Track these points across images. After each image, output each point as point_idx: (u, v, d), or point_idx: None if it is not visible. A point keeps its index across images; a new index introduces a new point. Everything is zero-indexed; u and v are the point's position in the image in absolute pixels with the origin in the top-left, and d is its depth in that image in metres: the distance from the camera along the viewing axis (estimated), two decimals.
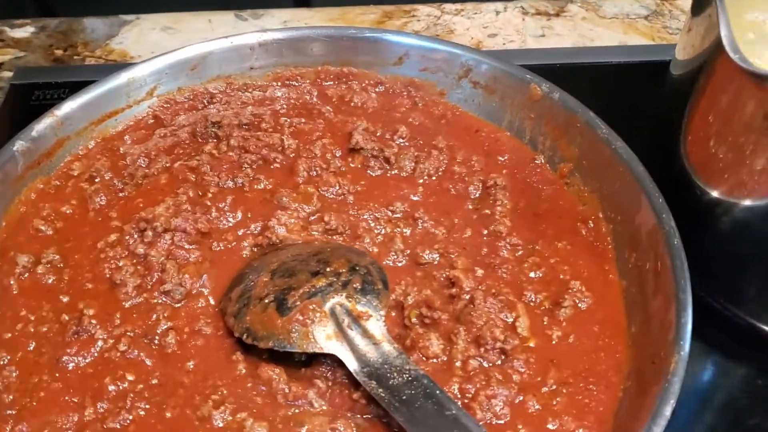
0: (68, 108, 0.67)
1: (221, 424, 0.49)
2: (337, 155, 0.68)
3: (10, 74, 0.85)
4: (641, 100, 0.69)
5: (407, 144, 0.69)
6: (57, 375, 0.52)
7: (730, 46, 0.46)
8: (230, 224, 0.62)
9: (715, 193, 0.56)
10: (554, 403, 0.51)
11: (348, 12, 0.94)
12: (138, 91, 0.71)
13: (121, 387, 0.51)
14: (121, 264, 0.58)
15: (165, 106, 0.72)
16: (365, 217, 0.64)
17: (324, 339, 0.51)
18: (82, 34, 0.92)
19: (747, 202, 0.55)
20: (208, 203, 0.63)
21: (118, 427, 0.49)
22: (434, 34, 0.90)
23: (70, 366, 0.53)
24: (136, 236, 0.60)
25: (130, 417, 0.50)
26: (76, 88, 0.76)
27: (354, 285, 0.54)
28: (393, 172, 0.67)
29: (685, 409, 0.58)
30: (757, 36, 0.57)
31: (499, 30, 0.90)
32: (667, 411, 0.46)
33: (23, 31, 0.93)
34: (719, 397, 0.60)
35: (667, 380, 0.47)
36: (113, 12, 0.95)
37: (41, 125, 0.65)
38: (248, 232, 0.62)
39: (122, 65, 0.85)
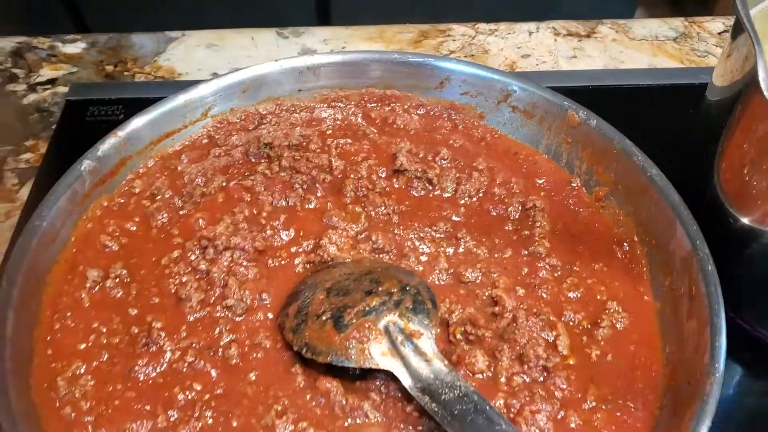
0: (130, 128, 0.71)
1: None
2: (382, 176, 0.72)
3: (65, 89, 0.89)
4: (674, 124, 0.72)
5: (449, 165, 0.73)
6: (129, 384, 0.56)
7: (765, 83, 0.49)
8: (284, 242, 0.66)
9: (746, 221, 0.59)
10: (594, 419, 0.54)
11: (386, 31, 0.97)
12: (194, 112, 0.74)
13: (189, 396, 0.55)
14: (185, 280, 0.62)
15: (218, 126, 0.75)
16: (410, 236, 0.67)
17: (379, 355, 0.55)
18: (131, 50, 0.96)
19: None
20: (263, 222, 0.67)
21: None
22: (469, 54, 0.94)
23: (141, 376, 0.56)
24: (198, 253, 0.64)
25: (200, 425, 0.54)
26: (129, 104, 0.80)
27: (406, 304, 0.58)
28: (435, 193, 0.71)
29: (715, 428, 0.62)
30: None
31: (532, 51, 0.94)
32: (704, 430, 0.49)
33: (75, 46, 0.96)
34: (746, 416, 0.63)
35: (704, 401, 0.51)
36: (152, 28, 0.99)
37: (106, 145, 0.69)
38: (301, 249, 0.65)
39: (174, 84, 0.89)
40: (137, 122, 0.71)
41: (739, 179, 0.60)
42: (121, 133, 0.70)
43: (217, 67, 0.93)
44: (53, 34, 0.98)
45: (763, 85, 0.49)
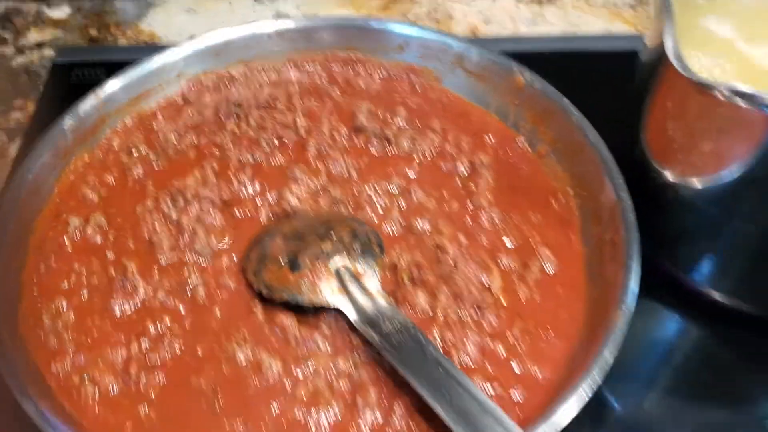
0: (108, 89, 0.76)
1: (243, 360, 0.60)
2: (344, 134, 0.78)
3: (51, 53, 0.95)
4: (616, 87, 0.77)
5: (405, 125, 0.79)
6: (107, 318, 0.63)
7: (673, 52, 0.54)
8: (249, 194, 0.72)
9: (669, 176, 0.65)
10: (518, 348, 0.61)
11: None
12: (168, 74, 0.80)
13: (160, 329, 0.62)
14: (157, 227, 0.68)
15: (192, 87, 0.81)
16: (367, 190, 0.73)
17: (329, 293, 0.62)
18: (114, 15, 1.01)
19: (694, 184, 0.64)
20: (231, 176, 0.73)
21: (158, 360, 0.60)
22: (435, 19, 0.99)
23: (117, 311, 0.63)
24: (169, 203, 0.70)
25: (169, 353, 0.61)
26: (111, 68, 0.85)
27: (355, 249, 0.64)
28: (392, 150, 0.77)
29: (637, 363, 0.68)
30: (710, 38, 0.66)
31: (495, 17, 0.99)
32: (609, 357, 0.56)
33: (60, 11, 1.02)
34: (665, 350, 0.70)
35: (613, 332, 0.57)
36: None
37: (86, 105, 0.74)
38: (265, 201, 0.72)
39: (153, 48, 0.94)
40: (115, 84, 0.77)
41: (661, 138, 0.66)
42: (101, 93, 0.76)
43: (195, 31, 0.97)
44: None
45: (669, 52, 0.54)
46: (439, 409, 0.54)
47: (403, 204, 0.72)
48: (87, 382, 0.59)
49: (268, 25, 0.83)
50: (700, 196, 0.64)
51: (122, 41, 0.98)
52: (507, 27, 0.97)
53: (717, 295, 0.68)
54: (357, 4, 1.01)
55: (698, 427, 0.64)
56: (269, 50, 0.83)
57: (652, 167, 0.67)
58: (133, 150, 0.75)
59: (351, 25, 0.83)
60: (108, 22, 1.00)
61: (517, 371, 0.60)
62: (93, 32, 0.99)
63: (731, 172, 0.59)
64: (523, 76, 0.76)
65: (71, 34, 0.99)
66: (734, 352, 0.68)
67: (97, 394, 0.58)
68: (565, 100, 0.73)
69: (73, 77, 0.91)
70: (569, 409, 0.54)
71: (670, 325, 0.71)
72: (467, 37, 0.96)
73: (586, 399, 0.54)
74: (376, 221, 0.71)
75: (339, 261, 0.63)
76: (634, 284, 0.59)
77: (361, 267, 0.63)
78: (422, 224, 0.70)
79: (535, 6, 1.00)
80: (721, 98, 0.53)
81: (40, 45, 0.97)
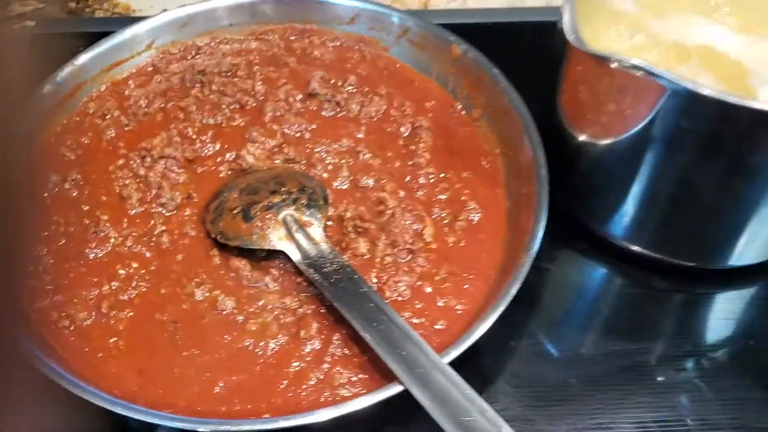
0: (84, 59, 0.84)
1: (201, 298, 0.68)
2: (298, 99, 0.85)
3: (32, 24, 1.02)
4: (544, 57, 0.85)
5: (355, 91, 0.86)
6: (81, 262, 0.71)
7: (569, 26, 0.62)
8: (210, 153, 0.80)
9: (580, 137, 0.74)
10: (443, 287, 0.70)
11: None
12: (139, 44, 0.87)
13: (128, 271, 0.70)
14: (127, 182, 0.76)
15: (161, 56, 0.88)
16: (318, 150, 0.81)
17: (277, 239, 0.70)
18: None
19: (600, 144, 0.72)
20: (194, 136, 0.81)
21: (127, 298, 0.69)
22: None
23: (91, 256, 0.71)
24: (138, 161, 0.78)
25: (135, 292, 0.69)
26: (88, 38, 0.92)
27: (302, 201, 0.73)
28: (342, 114, 0.85)
29: (567, 308, 0.77)
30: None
31: None
32: (513, 291, 0.64)
33: None
34: (589, 296, 0.79)
35: (518, 270, 0.66)
36: None
37: (63, 73, 0.82)
38: (224, 159, 0.80)
39: (127, 19, 1.01)
40: (90, 53, 0.85)
41: (572, 104, 0.74)
42: (77, 62, 0.84)
43: (166, 4, 1.04)
44: None
45: (565, 26, 0.62)
46: (368, 337, 0.62)
47: (351, 162, 0.80)
48: (63, 318, 0.67)
49: (231, 0, 0.90)
50: (606, 155, 0.72)
51: (99, 13, 1.05)
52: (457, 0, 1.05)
53: (627, 244, 0.76)
54: None
55: (617, 358, 0.72)
56: (232, 22, 0.91)
57: (566, 130, 0.75)
58: (107, 114, 0.83)
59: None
60: None
61: (441, 305, 0.69)
62: (72, 4, 1.06)
63: (629, 133, 0.67)
64: (459, 47, 0.84)
65: (51, 6, 1.06)
66: (646, 293, 0.77)
67: (72, 327, 0.67)
68: (495, 70, 0.81)
69: (52, 47, 0.98)
70: (477, 334, 0.63)
71: (591, 272, 0.80)
72: (418, 9, 1.04)
73: (489, 324, 0.63)
74: (327, 177, 0.79)
75: (287, 211, 0.72)
76: (540, 230, 0.68)
77: (306, 217, 0.72)
78: (367, 180, 0.79)
79: None
80: (613, 67, 0.61)
81: (21, 16, 1.04)
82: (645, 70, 0.58)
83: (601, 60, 0.61)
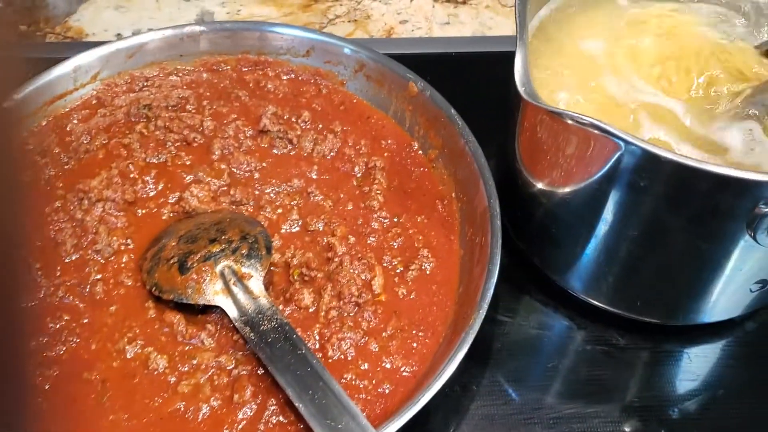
0: (25, 91, 0.80)
1: (132, 355, 0.65)
2: (249, 135, 0.82)
3: None
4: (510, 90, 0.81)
5: (309, 127, 0.83)
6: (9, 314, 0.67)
7: (521, 80, 0.59)
8: (153, 194, 0.76)
9: (538, 185, 0.70)
10: (390, 345, 0.66)
11: None
12: (84, 75, 0.83)
13: (58, 325, 0.67)
14: (62, 226, 0.72)
15: (106, 88, 0.84)
16: (268, 190, 0.78)
17: (212, 294, 0.66)
18: (45, 10, 1.04)
19: (557, 194, 0.68)
20: (136, 176, 0.77)
21: (54, 355, 0.65)
22: (353, 19, 1.02)
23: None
24: (75, 203, 0.74)
25: (64, 348, 0.65)
26: (36, 64, 0.88)
27: (242, 251, 0.69)
28: (294, 152, 0.81)
29: (527, 357, 0.73)
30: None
31: (411, 17, 1.02)
32: (460, 355, 0.61)
33: None
34: (548, 345, 0.75)
35: (467, 332, 0.62)
36: None
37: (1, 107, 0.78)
38: (167, 201, 0.76)
39: (76, 45, 0.97)
40: (31, 86, 0.81)
41: (529, 150, 0.71)
42: (16, 96, 0.79)
43: (122, 28, 1.01)
44: None
45: (516, 76, 0.59)
46: (301, 407, 0.58)
47: (302, 204, 0.77)
48: None
49: (178, 31, 0.86)
50: (562, 206, 0.68)
51: (50, 37, 1.01)
52: (422, 27, 1.01)
53: (587, 298, 0.73)
54: (279, 3, 1.04)
55: (577, 421, 0.68)
56: (183, 53, 0.87)
57: (523, 176, 0.71)
58: (47, 150, 0.79)
59: (260, 30, 0.87)
60: (38, 18, 1.03)
61: (387, 366, 0.65)
62: (23, 27, 1.02)
63: (585, 187, 0.64)
64: (416, 84, 0.80)
65: (2, 30, 1.01)
66: (607, 351, 0.73)
67: None
68: (452, 110, 0.77)
69: None
70: (421, 403, 0.59)
71: (551, 326, 0.75)
72: (382, 37, 1.00)
73: (435, 391, 0.59)
74: (275, 220, 0.75)
75: (225, 263, 0.68)
76: (491, 288, 0.64)
77: (246, 269, 0.68)
78: (317, 224, 0.75)
79: (451, 7, 1.03)
80: (567, 123, 0.58)
81: None
82: (600, 129, 0.55)
83: (555, 115, 0.58)
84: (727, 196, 0.55)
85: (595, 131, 0.55)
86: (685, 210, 0.59)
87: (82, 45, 0.91)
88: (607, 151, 0.58)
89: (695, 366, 0.72)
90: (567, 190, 0.66)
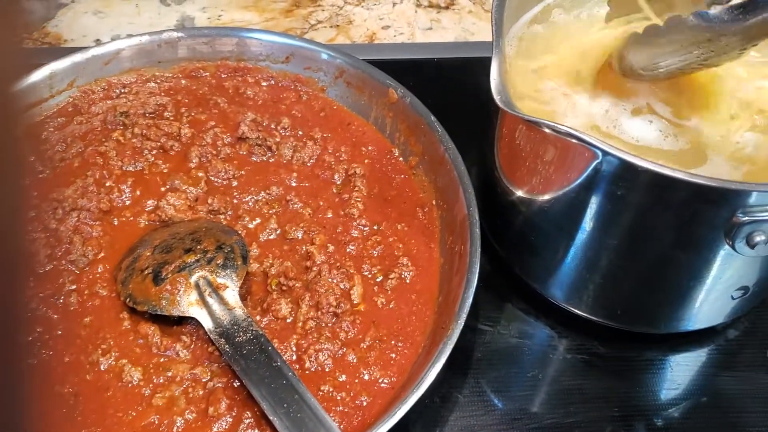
0: None
1: (106, 368, 0.64)
2: (227, 142, 0.81)
3: None
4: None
5: (288, 134, 0.82)
6: None
7: (496, 88, 0.58)
8: (129, 203, 0.75)
9: (517, 192, 0.69)
10: (368, 356, 0.65)
11: (260, 0, 1.05)
12: (60, 83, 0.82)
13: (30, 338, 0.65)
14: (36, 236, 0.71)
15: (83, 95, 0.83)
16: (246, 199, 0.77)
17: (187, 305, 0.65)
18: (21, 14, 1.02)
19: (536, 203, 0.68)
20: (112, 184, 0.76)
21: (26, 367, 0.64)
22: (335, 25, 1.01)
23: None
24: (50, 213, 0.73)
25: (36, 361, 0.64)
26: None
27: (217, 261, 0.68)
28: (273, 159, 0.80)
29: (511, 364, 0.73)
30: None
31: (393, 22, 1.02)
32: (438, 366, 0.60)
33: None
34: (530, 352, 0.74)
35: (444, 343, 0.61)
36: None
37: None
38: (144, 209, 0.75)
39: (60, 50, 0.96)
40: None
41: (507, 158, 0.70)
42: None
43: (101, 34, 1.00)
44: None
45: (492, 84, 0.58)
46: (276, 421, 0.58)
47: (281, 212, 0.76)
48: None
49: (155, 37, 0.85)
50: (540, 215, 0.68)
51: (28, 42, 0.99)
52: (404, 33, 1.00)
53: (568, 306, 0.72)
54: (260, 8, 1.03)
55: (555, 417, 0.68)
56: (161, 59, 0.85)
57: (503, 184, 0.71)
58: (21, 159, 0.78)
59: (239, 36, 0.86)
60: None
61: (365, 377, 0.64)
62: None
63: (562, 196, 0.63)
64: (396, 91, 0.79)
65: None
66: (588, 360, 0.72)
67: None
68: (432, 117, 0.77)
69: None
70: (398, 415, 0.58)
71: (532, 335, 0.74)
72: (364, 43, 0.99)
73: (413, 403, 0.58)
74: (253, 228, 0.74)
75: (200, 273, 0.67)
76: (469, 297, 0.64)
77: (221, 279, 0.67)
78: (296, 232, 0.74)
79: (433, 12, 1.03)
80: (544, 131, 0.57)
81: None
82: (577, 138, 0.54)
83: (531, 123, 0.57)
84: (705, 205, 0.55)
85: (572, 140, 0.55)
86: (663, 219, 0.58)
87: (58, 51, 0.90)
88: (584, 160, 0.57)
89: (677, 374, 0.72)
90: (545, 198, 0.66)
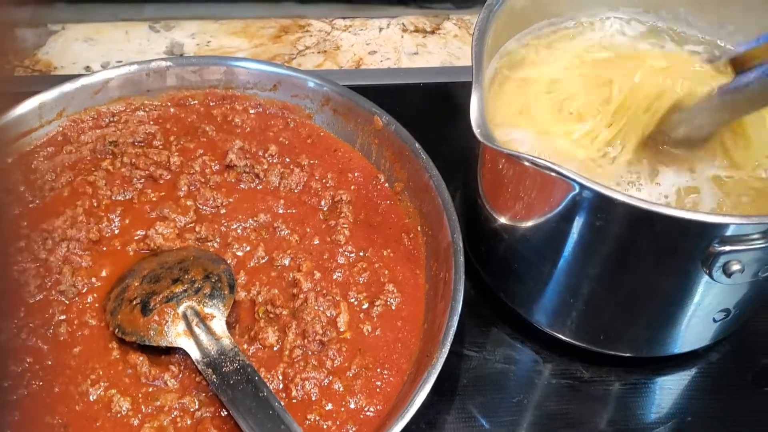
0: None
1: (95, 398, 0.64)
2: (215, 170, 0.82)
3: None
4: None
5: (276, 161, 0.83)
6: None
7: (476, 122, 0.59)
8: (117, 232, 0.76)
9: (500, 220, 0.70)
10: (354, 384, 0.66)
11: (250, 25, 1.06)
12: (49, 112, 0.83)
13: (20, 368, 0.66)
14: (26, 267, 0.72)
15: (72, 124, 0.84)
16: (234, 226, 0.77)
17: (174, 335, 0.66)
18: (14, 43, 1.04)
19: (518, 231, 0.69)
20: (101, 214, 0.76)
21: (16, 399, 0.64)
22: (322, 50, 1.03)
23: None
24: (39, 243, 0.74)
25: (26, 391, 0.65)
26: (4, 99, 0.88)
27: (204, 291, 0.69)
28: (261, 186, 0.81)
29: (497, 387, 0.73)
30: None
31: (380, 47, 1.03)
32: (423, 394, 0.61)
33: None
34: (515, 375, 0.75)
35: (429, 372, 0.62)
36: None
37: None
38: (132, 238, 0.75)
39: (51, 78, 0.97)
40: None
41: (490, 186, 0.71)
42: None
43: (91, 61, 1.01)
44: None
45: (472, 118, 0.59)
46: None
47: (268, 239, 0.77)
48: None
49: (143, 66, 0.86)
50: (523, 242, 0.69)
51: (19, 71, 1.01)
52: (390, 58, 1.02)
53: (552, 331, 0.73)
54: (249, 34, 1.04)
55: None
56: (150, 88, 0.87)
57: (486, 211, 0.72)
58: (12, 189, 0.79)
59: (227, 65, 0.87)
60: (6, 51, 1.02)
61: (351, 406, 0.65)
62: None
63: (543, 225, 0.64)
64: (381, 119, 0.81)
65: None
66: (572, 384, 0.73)
67: None
68: (417, 144, 0.78)
69: None
70: None
71: (517, 360, 0.75)
72: (351, 68, 1.00)
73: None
74: (241, 256, 0.75)
75: (187, 303, 0.68)
76: (453, 325, 0.65)
77: (209, 309, 0.68)
78: (284, 260, 0.75)
79: (419, 37, 1.04)
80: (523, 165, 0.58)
81: None
82: (555, 171, 0.55)
83: (511, 157, 0.58)
84: (681, 236, 0.56)
85: (551, 173, 0.56)
86: (642, 249, 0.59)
87: (49, 79, 0.91)
88: (563, 192, 0.59)
89: (661, 397, 0.72)
90: (527, 226, 0.67)
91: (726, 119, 0.66)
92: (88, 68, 1.00)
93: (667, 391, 0.73)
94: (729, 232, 0.55)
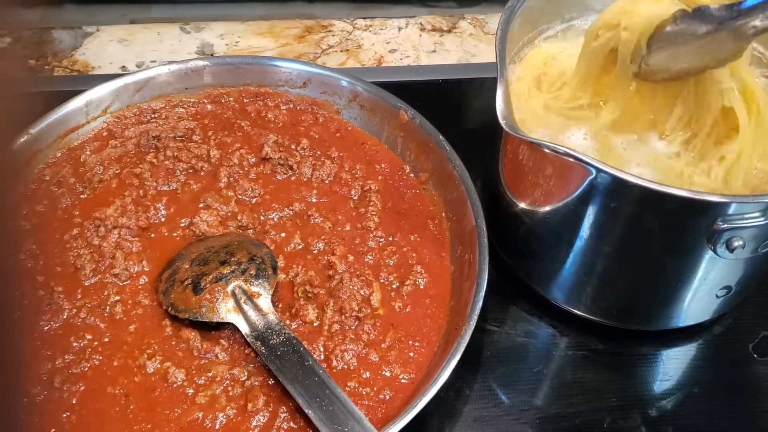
0: (39, 126, 0.85)
1: (152, 370, 0.70)
2: (252, 163, 0.88)
3: None
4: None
5: (307, 154, 0.89)
6: (36, 335, 0.72)
7: (501, 113, 0.65)
8: (164, 220, 0.82)
9: (520, 204, 0.76)
10: (389, 355, 0.72)
11: (275, 26, 1.12)
12: (95, 109, 0.89)
13: (81, 344, 0.72)
14: (81, 252, 0.78)
15: (116, 121, 0.90)
16: (271, 215, 0.83)
17: (225, 312, 0.72)
18: (51, 45, 1.10)
19: (537, 214, 0.75)
20: (148, 203, 0.82)
21: (79, 372, 0.70)
22: (345, 49, 1.09)
23: (45, 328, 0.73)
24: (92, 230, 0.80)
25: (88, 365, 0.71)
26: (47, 97, 0.94)
27: (250, 272, 0.75)
28: (294, 178, 0.87)
29: (516, 362, 0.79)
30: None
31: (399, 46, 1.09)
32: (453, 363, 0.67)
33: (1, 42, 1.09)
34: (534, 350, 0.81)
35: (459, 342, 0.68)
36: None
37: (19, 142, 0.84)
38: (178, 226, 0.82)
39: (85, 78, 1.03)
40: (46, 120, 0.86)
41: (511, 173, 0.77)
42: (32, 131, 0.85)
43: (126, 61, 1.07)
44: None
45: (498, 110, 0.65)
46: (311, 413, 0.65)
47: (303, 227, 0.83)
48: None
49: (186, 63, 0.92)
50: (542, 225, 0.75)
51: (58, 71, 1.06)
52: (410, 56, 1.08)
53: (568, 307, 0.79)
54: (275, 34, 1.10)
55: (561, 420, 0.75)
56: (188, 86, 0.93)
57: (507, 196, 0.78)
58: (63, 181, 0.85)
59: (261, 64, 0.93)
60: (45, 52, 1.09)
61: (387, 374, 0.71)
62: (31, 62, 1.07)
63: (561, 208, 0.70)
64: (406, 113, 0.87)
65: (12, 64, 1.07)
66: (587, 355, 0.79)
67: (24, 402, 0.68)
68: (440, 136, 0.84)
69: None
70: (418, 407, 0.65)
71: (536, 334, 0.81)
72: (372, 66, 1.06)
73: (430, 397, 0.65)
74: (279, 242, 0.81)
75: (235, 283, 0.74)
76: (479, 301, 0.71)
77: (255, 287, 0.74)
78: (318, 244, 0.81)
79: (437, 35, 1.10)
80: (544, 152, 0.64)
81: None
82: (573, 157, 0.61)
83: (534, 145, 0.64)
84: (688, 215, 0.62)
85: (570, 159, 0.62)
86: (652, 228, 0.65)
87: (90, 78, 0.97)
88: (580, 176, 0.65)
89: (669, 367, 0.79)
90: (546, 210, 0.73)
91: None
92: (123, 68, 1.06)
93: (674, 361, 0.79)
94: (731, 211, 0.61)
